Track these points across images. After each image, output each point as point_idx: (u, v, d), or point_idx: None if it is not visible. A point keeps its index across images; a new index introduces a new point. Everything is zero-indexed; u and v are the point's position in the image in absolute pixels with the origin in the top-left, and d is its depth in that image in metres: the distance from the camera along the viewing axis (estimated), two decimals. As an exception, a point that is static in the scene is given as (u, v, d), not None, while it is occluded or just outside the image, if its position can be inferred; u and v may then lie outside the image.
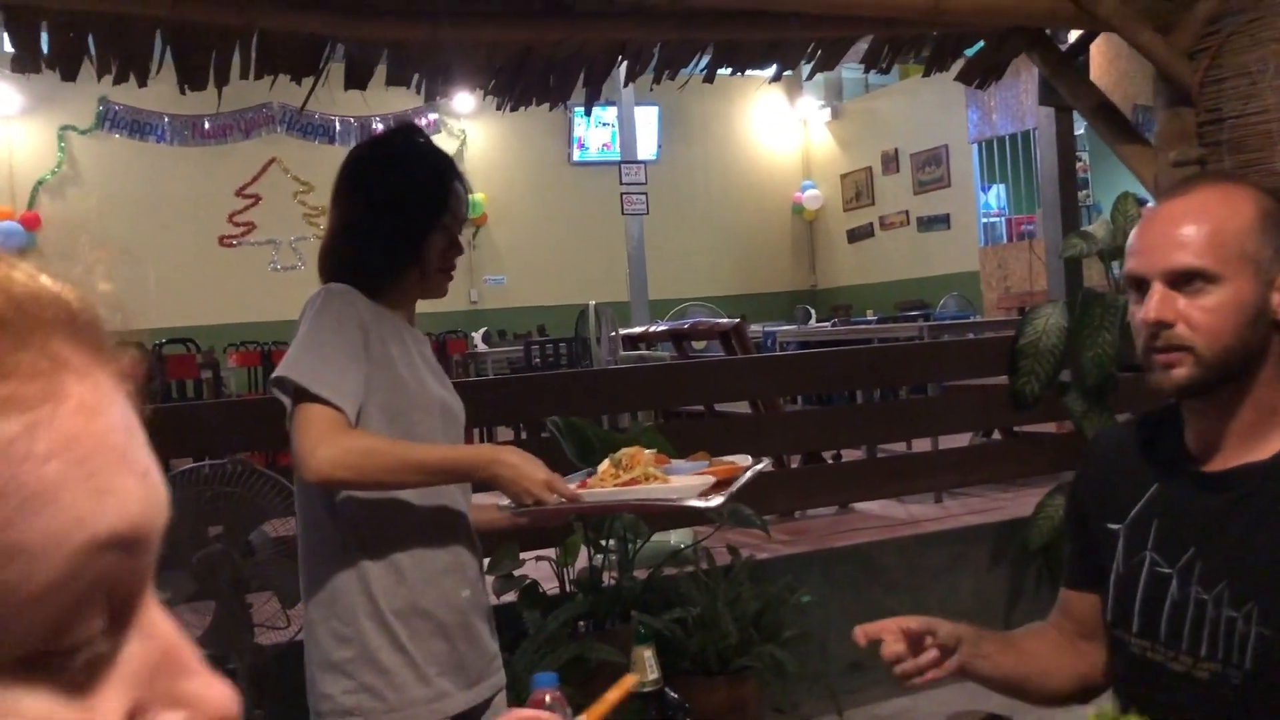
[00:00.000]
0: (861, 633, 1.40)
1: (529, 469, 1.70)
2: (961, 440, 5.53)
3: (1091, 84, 2.66)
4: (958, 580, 4.27)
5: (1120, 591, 1.40)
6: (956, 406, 5.22)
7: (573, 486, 1.76)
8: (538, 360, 7.55)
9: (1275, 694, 1.25)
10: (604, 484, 1.78)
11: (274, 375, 1.73)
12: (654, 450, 1.89)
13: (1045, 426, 5.11)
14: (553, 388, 4.18)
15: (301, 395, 1.68)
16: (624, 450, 1.85)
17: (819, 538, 4.47)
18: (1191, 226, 1.29)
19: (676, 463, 1.98)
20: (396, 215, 1.82)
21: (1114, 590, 1.41)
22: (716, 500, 1.70)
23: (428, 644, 1.79)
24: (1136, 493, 1.41)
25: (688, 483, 1.76)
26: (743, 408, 5.44)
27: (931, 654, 1.38)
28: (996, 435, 5.67)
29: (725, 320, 5.78)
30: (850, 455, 5.52)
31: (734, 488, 1.77)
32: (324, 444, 1.65)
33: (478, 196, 12.68)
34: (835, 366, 4.77)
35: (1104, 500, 1.45)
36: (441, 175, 1.86)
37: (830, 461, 5.45)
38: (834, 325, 7.48)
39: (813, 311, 11.88)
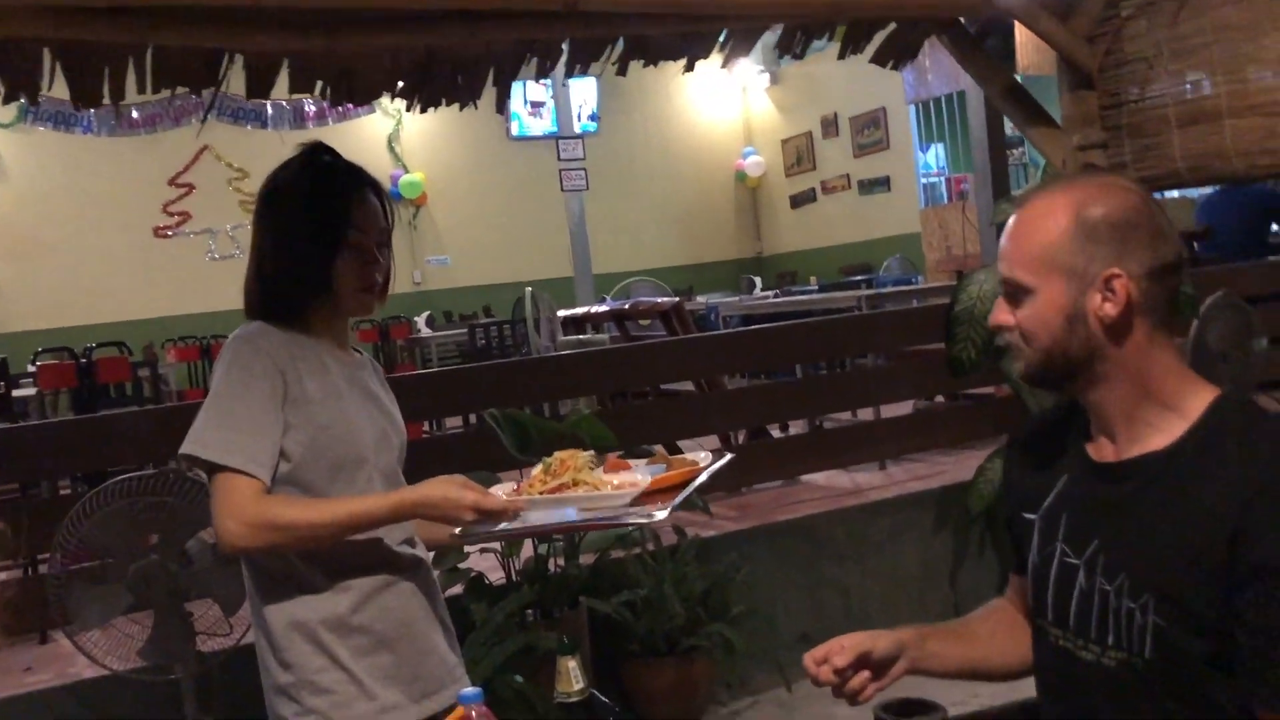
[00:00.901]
0: (810, 660, 1.43)
1: (452, 500, 1.68)
2: (905, 407, 5.59)
3: (1001, 66, 2.67)
4: (903, 547, 4.33)
5: (1036, 581, 1.44)
6: (898, 375, 5.27)
7: (505, 495, 1.75)
8: (483, 343, 7.51)
9: (1175, 681, 1.28)
10: (532, 490, 1.76)
11: (181, 450, 1.71)
12: (591, 454, 1.84)
13: (987, 389, 5.18)
14: (490, 379, 4.16)
15: (213, 467, 1.67)
16: (557, 454, 1.81)
17: (765, 512, 4.49)
18: (1014, 240, 1.40)
19: (636, 464, 1.95)
20: (295, 244, 1.79)
21: (1031, 580, 1.45)
22: (661, 514, 1.62)
23: (370, 659, 1.78)
24: (1049, 484, 1.44)
25: (617, 490, 1.72)
26: (688, 386, 5.46)
27: (864, 676, 1.42)
28: (940, 400, 5.75)
29: (665, 300, 5.78)
30: (795, 427, 5.56)
31: (684, 494, 1.72)
32: (234, 519, 1.65)
33: (416, 176, 12.54)
34: (774, 344, 4.79)
35: (1023, 491, 1.49)
36: (340, 192, 1.81)
37: (776, 436, 5.49)
38: (776, 296, 7.50)
39: (758, 281, 11.91)
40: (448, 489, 1.69)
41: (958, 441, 5.06)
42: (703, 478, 1.78)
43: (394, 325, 8.38)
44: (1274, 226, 6.74)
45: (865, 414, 5.55)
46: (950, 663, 1.51)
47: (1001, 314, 1.41)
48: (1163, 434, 1.34)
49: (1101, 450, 1.40)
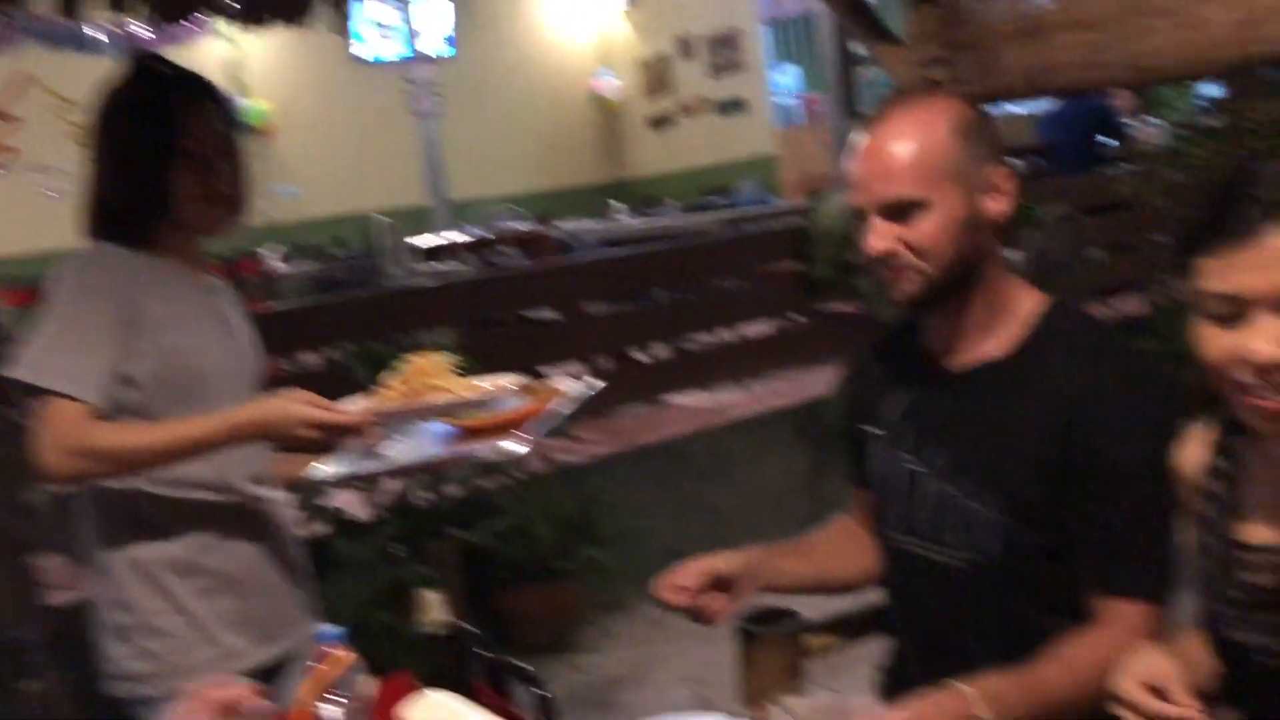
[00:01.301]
0: (661, 587, 1.45)
1: (293, 416, 1.57)
2: (765, 326, 5.68)
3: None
4: (765, 463, 4.43)
5: (885, 492, 1.48)
6: (757, 295, 5.34)
7: (357, 407, 1.62)
8: (340, 277, 7.30)
9: (1020, 577, 1.35)
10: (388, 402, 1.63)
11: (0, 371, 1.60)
12: (449, 357, 1.69)
13: (842, 307, 5.29)
14: (345, 312, 4.05)
15: (32, 390, 1.56)
16: (411, 359, 1.65)
17: (630, 435, 4.53)
18: (894, 156, 1.34)
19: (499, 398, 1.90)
20: (127, 155, 1.68)
21: (879, 492, 1.49)
22: (525, 447, 1.59)
23: (214, 601, 1.72)
24: (895, 396, 1.48)
25: (478, 394, 1.61)
26: (550, 314, 5.42)
27: (715, 596, 1.45)
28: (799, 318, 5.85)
29: (525, 227, 5.71)
30: (659, 351, 5.59)
31: (548, 422, 1.66)
32: (51, 446, 1.54)
33: (261, 104, 11.99)
34: (636, 268, 4.78)
35: (867, 406, 1.52)
36: (170, 98, 1.70)
37: (640, 360, 5.51)
38: (637, 220, 7.49)
39: (621, 205, 11.86)
40: (286, 405, 1.58)
41: (816, 358, 5.17)
42: (566, 405, 1.74)
43: (242, 260, 8.06)
44: (1102, 139, 7.03)
45: (727, 335, 5.62)
46: (797, 579, 1.55)
47: (882, 240, 1.35)
48: (1001, 341, 1.39)
49: (945, 361, 1.44)
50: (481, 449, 1.64)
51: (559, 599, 3.61)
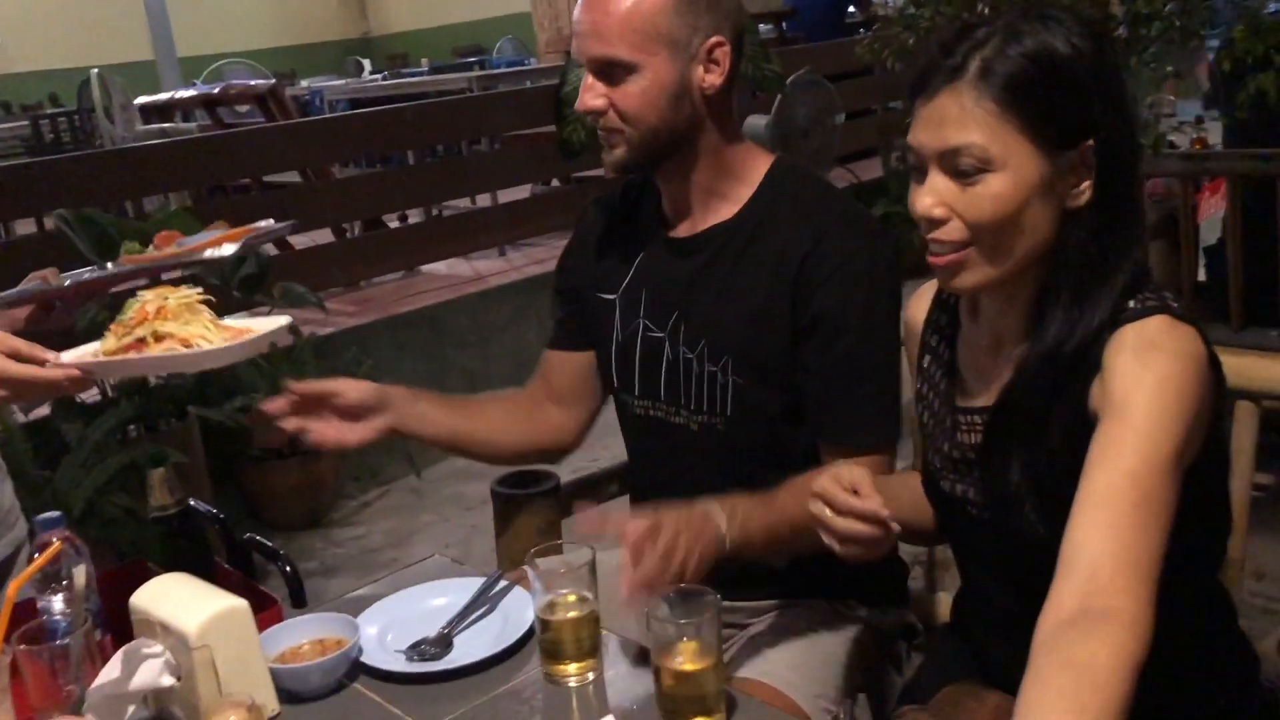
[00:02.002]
0: (270, 406, 1.39)
1: None
2: (522, 192, 5.60)
3: None
4: (523, 330, 4.42)
5: (622, 359, 1.48)
6: (512, 159, 5.24)
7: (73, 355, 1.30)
8: (51, 136, 6.61)
9: (753, 436, 1.39)
10: (106, 347, 1.30)
11: None
12: (194, 293, 1.33)
13: (597, 172, 5.28)
14: (59, 174, 3.67)
15: None
16: (142, 295, 1.32)
17: (386, 305, 4.41)
18: (608, 15, 1.30)
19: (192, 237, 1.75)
20: None
21: (616, 359, 1.49)
22: (228, 249, 1.46)
23: None
24: (626, 262, 1.47)
25: (223, 341, 1.29)
26: (293, 178, 5.13)
27: (333, 424, 1.39)
28: (556, 184, 5.80)
29: (261, 82, 5.33)
30: (413, 216, 5.43)
31: (255, 237, 1.53)
32: None
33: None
34: (385, 128, 4.57)
35: (596, 271, 1.50)
36: None
37: (393, 226, 5.34)
38: (385, 79, 7.11)
39: (366, 63, 11.27)
40: None
41: (573, 224, 5.16)
42: (271, 230, 1.60)
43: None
44: (850, 9, 7.24)
45: (483, 200, 5.51)
46: (439, 429, 1.48)
47: (593, 97, 1.31)
48: (731, 203, 1.40)
49: (676, 226, 1.43)
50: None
51: (312, 473, 3.51)
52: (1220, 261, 2.80)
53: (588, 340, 1.53)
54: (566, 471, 1.67)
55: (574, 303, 1.54)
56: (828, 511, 1.10)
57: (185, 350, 1.26)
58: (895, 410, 1.37)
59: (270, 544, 1.64)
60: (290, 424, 1.38)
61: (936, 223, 1.07)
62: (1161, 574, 1.11)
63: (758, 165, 1.41)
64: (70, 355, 1.30)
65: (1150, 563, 0.97)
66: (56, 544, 1.16)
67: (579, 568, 1.16)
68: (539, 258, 4.97)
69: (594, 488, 1.67)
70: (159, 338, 1.28)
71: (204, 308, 1.31)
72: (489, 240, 4.96)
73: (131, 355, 1.28)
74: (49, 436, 3.08)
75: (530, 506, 1.60)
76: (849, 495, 1.08)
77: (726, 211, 1.39)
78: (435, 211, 5.30)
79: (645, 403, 1.46)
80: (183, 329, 1.28)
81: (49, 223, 3.82)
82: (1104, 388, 1.03)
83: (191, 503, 1.40)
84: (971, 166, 1.04)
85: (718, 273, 1.38)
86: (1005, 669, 1.25)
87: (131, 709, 1.10)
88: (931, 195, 1.06)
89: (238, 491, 3.53)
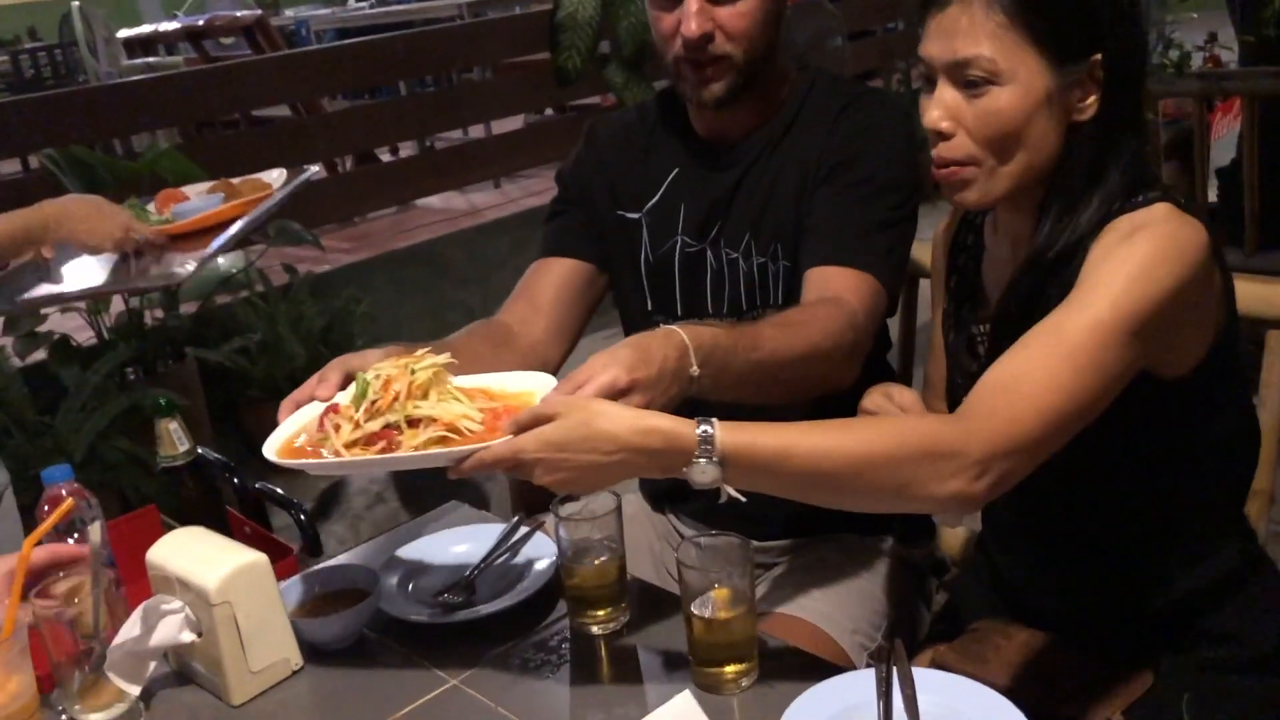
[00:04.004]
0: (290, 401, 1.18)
1: (103, 218, 1.48)
2: (516, 122, 5.51)
3: None
4: (522, 264, 4.25)
5: (657, 279, 1.44)
6: (506, 88, 5.14)
7: (306, 440, 1.10)
8: (32, 73, 6.46)
9: None
10: (341, 433, 1.05)
11: None
12: (431, 360, 1.08)
13: (593, 99, 5.18)
14: (44, 112, 3.58)
15: None
16: (375, 369, 1.07)
17: (382, 241, 4.36)
18: None
19: (193, 190, 1.72)
20: None
21: (649, 279, 1.44)
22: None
23: None
24: (652, 181, 1.43)
25: (477, 435, 1.02)
26: (283, 112, 5.03)
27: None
28: (550, 113, 5.70)
29: (247, 13, 5.19)
30: (406, 150, 5.34)
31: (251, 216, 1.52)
32: None
33: None
34: (375, 58, 4.46)
35: (614, 190, 1.45)
36: None
37: (385, 160, 5.25)
38: (372, 7, 6.94)
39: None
40: (92, 205, 1.51)
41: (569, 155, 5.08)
42: (277, 199, 1.60)
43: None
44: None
45: (476, 132, 5.41)
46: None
47: (702, 21, 1.27)
48: (769, 112, 1.38)
49: (712, 141, 1.41)
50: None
51: (316, 414, 3.48)
52: (1233, 184, 2.75)
53: (596, 254, 1.46)
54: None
55: (585, 213, 1.47)
56: None
57: (471, 443, 0.98)
58: (899, 253, 1.32)
59: (282, 492, 1.62)
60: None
61: (943, 136, 1.06)
62: (1183, 502, 1.09)
63: (791, 77, 1.41)
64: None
65: (1040, 400, 0.95)
66: (69, 500, 1.13)
67: (604, 515, 1.13)
68: (535, 190, 4.90)
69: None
70: (413, 422, 1.02)
71: (447, 373, 1.08)
72: (484, 173, 4.88)
73: (402, 453, 1.00)
74: (46, 381, 3.05)
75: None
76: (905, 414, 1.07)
77: (765, 120, 1.38)
78: (428, 144, 5.21)
79: (691, 321, 1.42)
80: (441, 409, 1.02)
81: (35, 163, 3.75)
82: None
83: (201, 451, 1.36)
84: (979, 78, 1.03)
85: (757, 173, 1.37)
86: (1026, 597, 1.24)
87: (153, 666, 1.08)
88: (939, 108, 1.06)
89: (238, 433, 3.50)
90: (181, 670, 1.14)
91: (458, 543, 1.31)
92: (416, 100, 5.25)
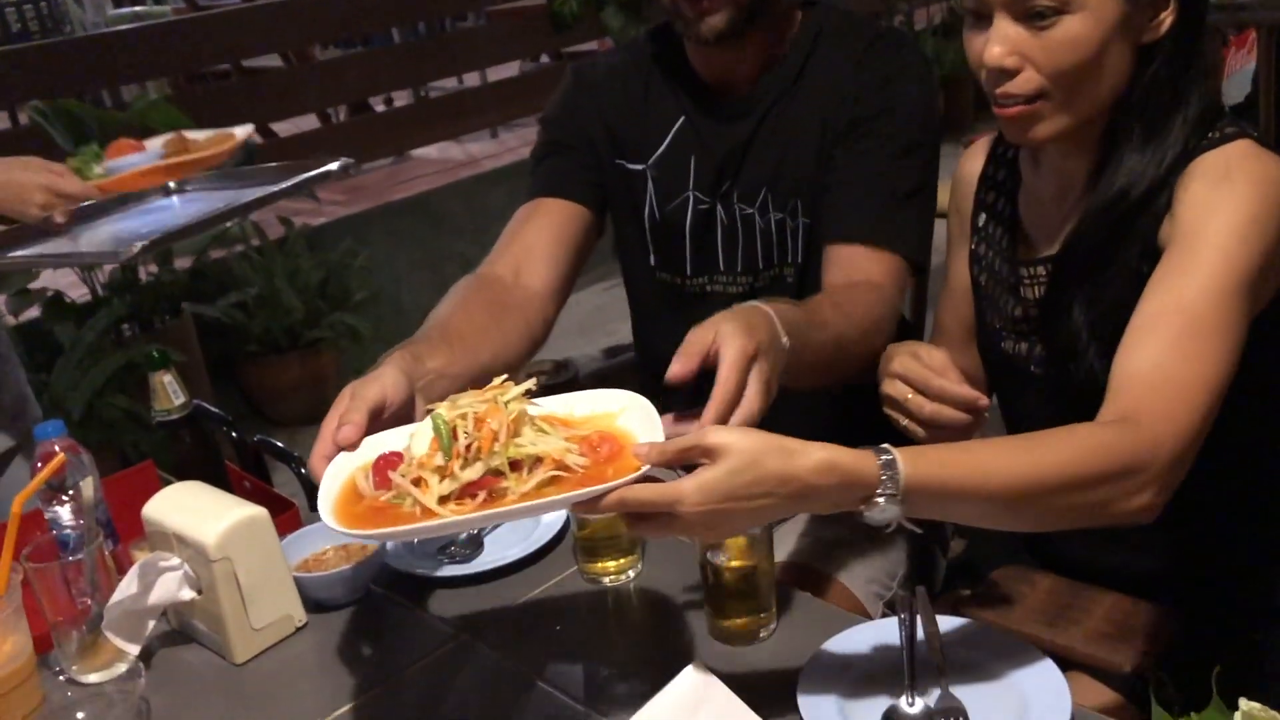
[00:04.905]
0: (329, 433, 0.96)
1: (18, 186, 1.40)
2: (511, 70, 5.41)
3: None
4: (520, 214, 4.31)
5: (664, 235, 1.37)
6: (501, 34, 5.03)
7: (399, 480, 0.86)
8: (18, 26, 6.35)
9: (816, 282, 1.29)
10: (426, 468, 0.86)
11: None
12: (516, 386, 0.90)
13: (590, 45, 5.08)
14: (30, 64, 3.50)
15: None
16: (458, 400, 0.89)
17: (378, 193, 4.29)
18: None
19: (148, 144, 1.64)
20: None
21: (654, 235, 1.39)
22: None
23: None
24: (655, 132, 1.36)
25: (592, 475, 0.85)
26: (274, 61, 4.94)
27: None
28: (545, 60, 5.60)
29: (233, -40, 5.08)
30: (400, 100, 5.25)
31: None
32: None
33: None
34: (366, 5, 4.36)
35: (615, 136, 1.37)
36: None
37: (379, 110, 5.17)
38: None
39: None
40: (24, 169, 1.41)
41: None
42: (285, 185, 1.59)
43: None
44: None
45: (470, 80, 5.32)
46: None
47: None
48: (777, 55, 1.31)
49: (720, 90, 1.34)
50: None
51: (313, 368, 3.44)
52: (1246, 122, 2.69)
53: (595, 199, 1.38)
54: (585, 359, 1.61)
55: (582, 155, 1.38)
56: (910, 393, 1.03)
57: (597, 485, 0.81)
58: (927, 223, 1.28)
59: (281, 445, 1.58)
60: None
61: (1008, 74, 0.99)
62: (1237, 443, 1.04)
63: (796, 13, 1.33)
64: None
65: (1196, 391, 0.91)
66: (60, 456, 1.09)
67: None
68: (533, 139, 4.79)
69: (619, 378, 1.60)
70: (514, 465, 0.85)
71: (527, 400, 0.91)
72: (480, 121, 4.80)
73: (514, 505, 0.84)
74: (41, 338, 3.01)
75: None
76: (939, 378, 1.02)
77: (772, 61, 1.31)
78: (422, 93, 5.12)
79: (700, 280, 1.36)
80: (544, 445, 0.86)
81: (23, 116, 3.68)
82: (1174, 220, 0.98)
83: (197, 404, 1.33)
84: (1048, 8, 0.97)
85: (776, 124, 1.30)
86: (1053, 543, 1.21)
87: (152, 624, 1.05)
88: (1002, 44, 0.98)
89: (237, 388, 3.46)
90: (182, 629, 1.11)
91: (464, 494, 1.26)
92: (409, 48, 5.16)
